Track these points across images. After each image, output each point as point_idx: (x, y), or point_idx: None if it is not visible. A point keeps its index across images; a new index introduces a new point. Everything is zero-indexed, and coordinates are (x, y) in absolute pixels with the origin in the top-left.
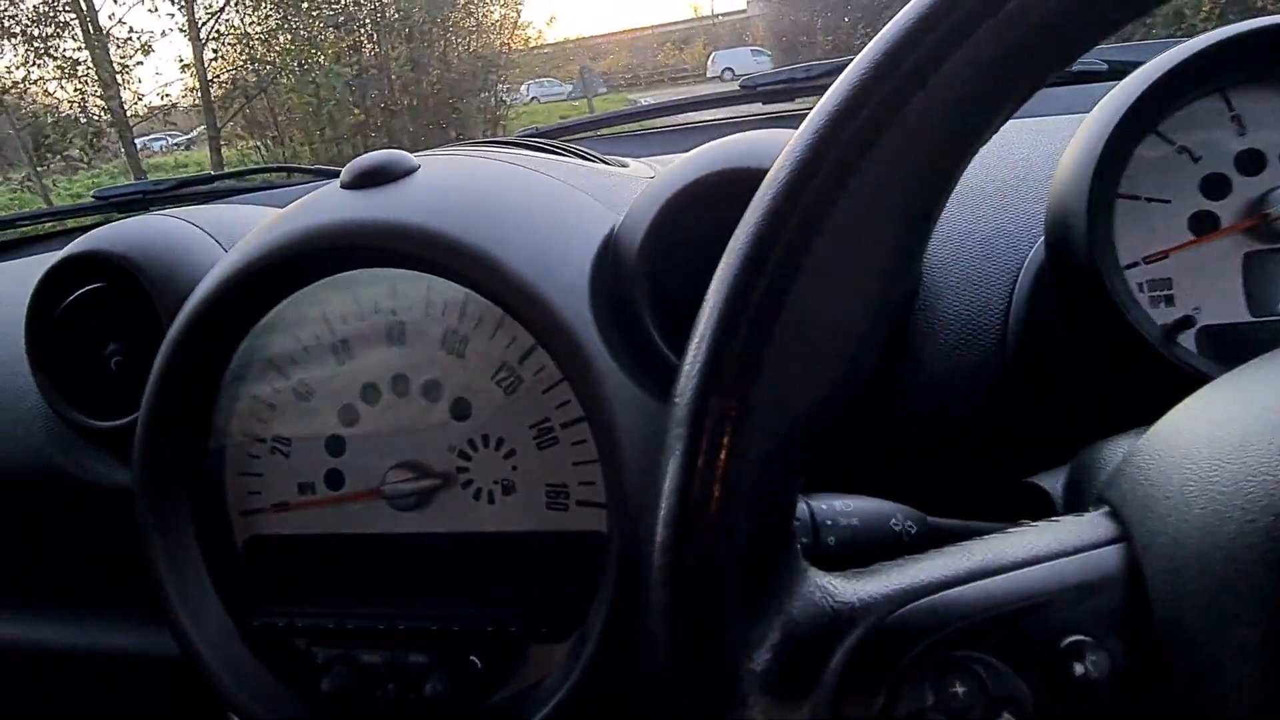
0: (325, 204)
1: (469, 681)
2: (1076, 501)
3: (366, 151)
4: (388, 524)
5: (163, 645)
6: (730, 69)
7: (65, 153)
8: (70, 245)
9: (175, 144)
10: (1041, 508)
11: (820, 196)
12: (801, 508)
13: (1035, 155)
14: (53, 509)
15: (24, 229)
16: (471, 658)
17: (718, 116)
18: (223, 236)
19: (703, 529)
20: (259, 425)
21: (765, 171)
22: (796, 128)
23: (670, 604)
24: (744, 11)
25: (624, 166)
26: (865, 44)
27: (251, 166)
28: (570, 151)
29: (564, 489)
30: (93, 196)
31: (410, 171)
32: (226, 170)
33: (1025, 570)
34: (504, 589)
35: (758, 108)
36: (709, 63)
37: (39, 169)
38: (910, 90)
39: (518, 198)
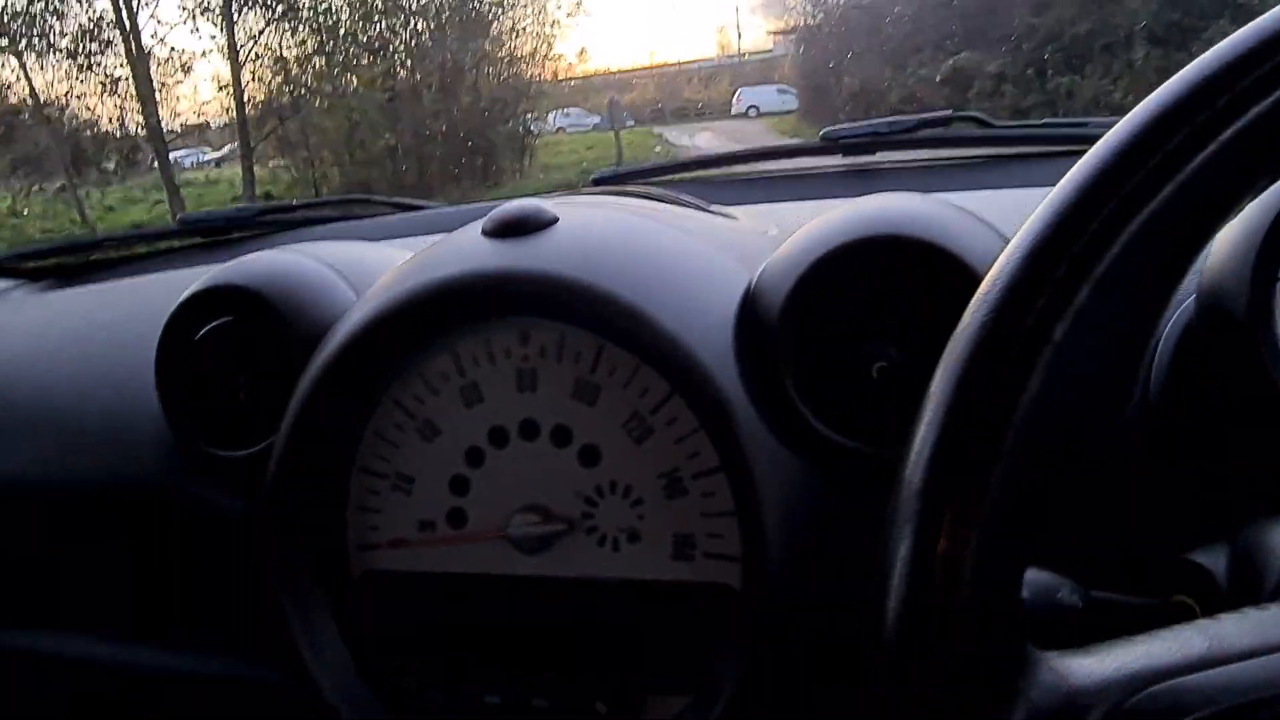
0: (472, 252)
1: None
2: (1251, 584)
3: (396, 175)
4: (509, 566)
5: (255, 673)
6: (755, 106)
7: (101, 166)
8: (205, 278)
9: (206, 160)
10: (1199, 586)
11: (1061, 288)
12: None
13: None
14: (158, 533)
15: (110, 251)
16: (597, 704)
17: (799, 167)
18: (352, 275)
19: (939, 618)
20: (381, 462)
21: (925, 241)
22: (877, 182)
23: (910, 696)
24: (770, 51)
25: (734, 219)
26: (891, 87)
27: (335, 197)
28: (677, 202)
29: (691, 539)
30: (178, 223)
31: (552, 222)
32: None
33: (1265, 658)
34: (625, 637)
35: (838, 159)
36: (735, 99)
37: (75, 181)
38: (1158, 183)
39: (658, 250)
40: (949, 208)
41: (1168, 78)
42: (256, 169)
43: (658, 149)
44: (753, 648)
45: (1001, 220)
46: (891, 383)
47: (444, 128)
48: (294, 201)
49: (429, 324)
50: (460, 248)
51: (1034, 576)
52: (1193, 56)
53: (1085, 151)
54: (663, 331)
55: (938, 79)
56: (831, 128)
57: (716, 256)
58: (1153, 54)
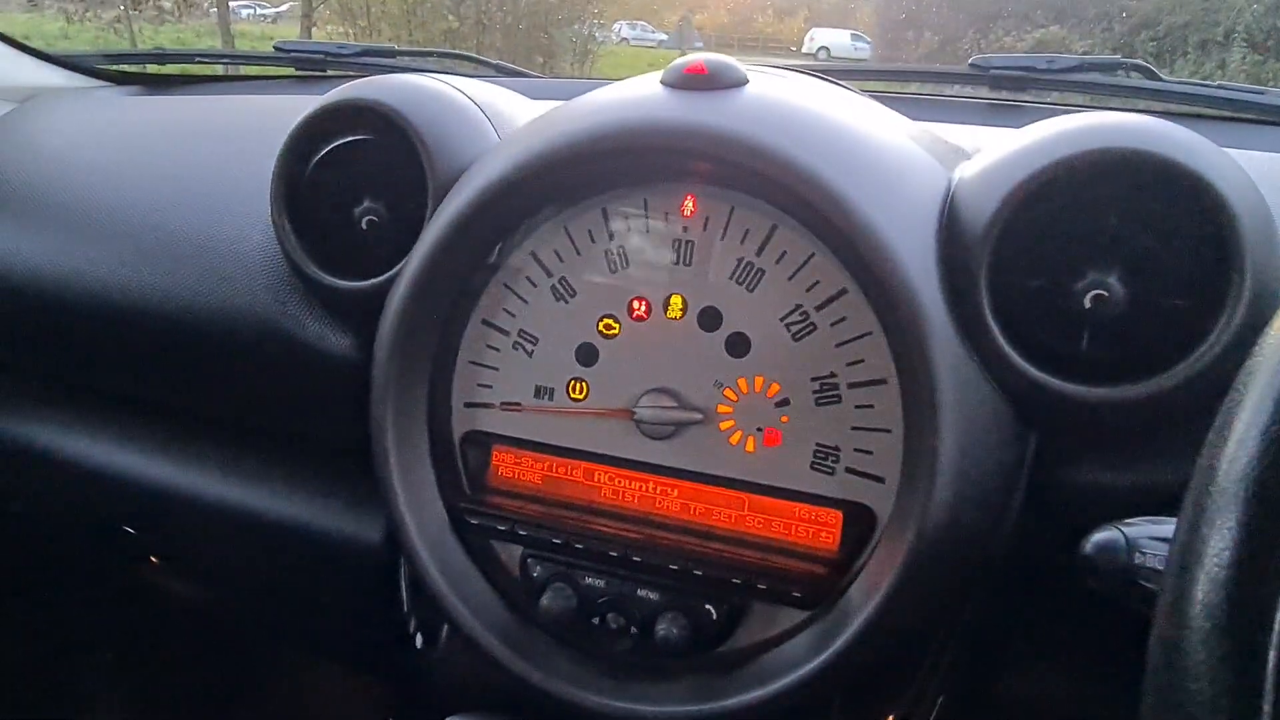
0: (650, 100)
1: (704, 629)
2: None
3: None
4: (626, 449)
5: (366, 532)
6: (826, 48)
7: (158, 2)
8: (338, 91)
9: (264, 14)
10: None
11: None
12: None
13: None
14: (267, 367)
15: (202, 63)
16: (708, 607)
17: (941, 93)
18: (496, 116)
19: (1252, 614)
20: (506, 316)
21: (1169, 160)
22: (1024, 121)
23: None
24: None
25: None
26: (971, 50)
27: (438, 50)
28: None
29: (835, 452)
30: (274, 48)
31: (742, 81)
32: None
33: None
34: (743, 543)
35: (984, 91)
36: (807, 38)
37: (132, 13)
38: None
39: (857, 130)
40: (1200, 138)
41: (1258, 83)
42: (315, 32)
43: None
44: (899, 578)
45: None
46: (1107, 316)
47: (507, 19)
48: (396, 47)
49: (581, 175)
50: (635, 94)
51: None
52: None
53: (1259, 121)
54: (859, 212)
55: (1020, 51)
56: (982, 55)
57: (913, 149)
58: (1249, 58)
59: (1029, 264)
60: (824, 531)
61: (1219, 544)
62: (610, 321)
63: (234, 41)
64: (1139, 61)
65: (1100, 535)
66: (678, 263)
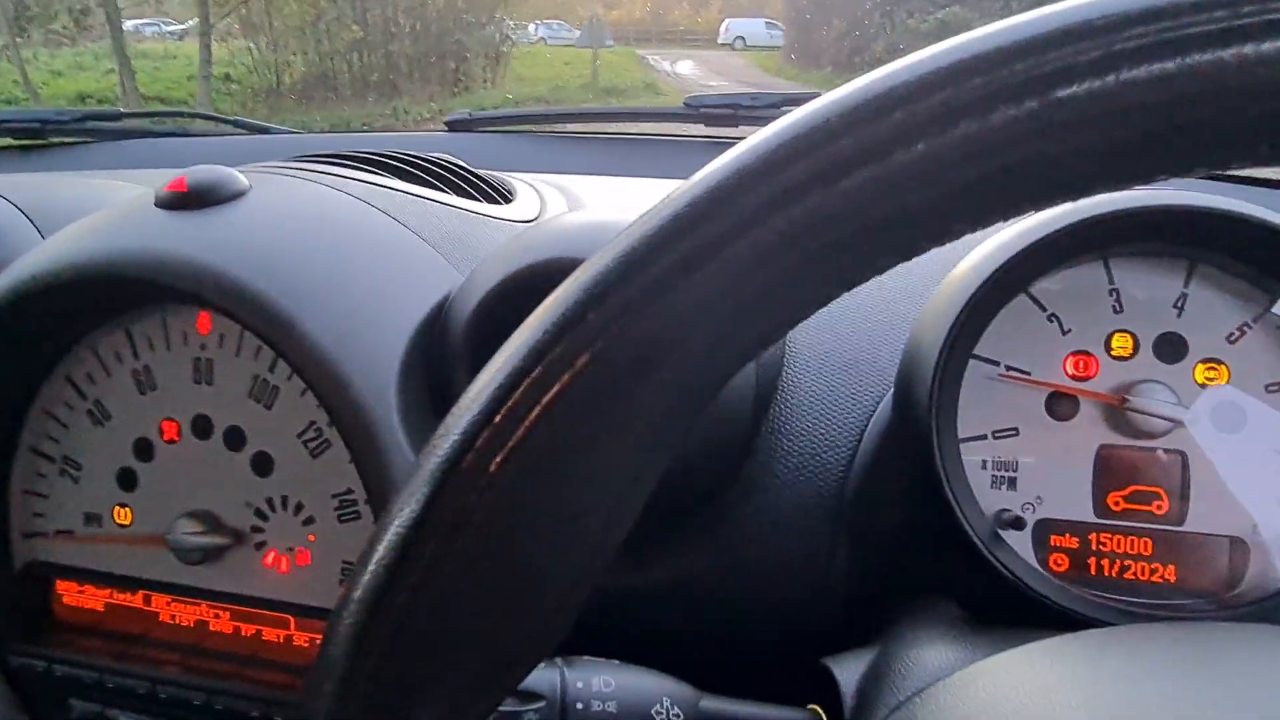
0: (133, 222)
1: None
2: (867, 707)
3: (361, 71)
4: (172, 574)
5: None
6: (742, 38)
7: (49, 26)
8: None
9: (169, 32)
10: (828, 695)
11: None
12: (552, 678)
13: (916, 270)
14: None
15: None
16: None
17: (660, 132)
18: (42, 217)
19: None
20: (49, 443)
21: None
22: None
23: None
24: None
25: (506, 200)
26: (878, 34)
27: (168, 109)
28: (449, 174)
29: None
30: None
31: (235, 196)
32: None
33: None
34: (291, 668)
35: (700, 129)
36: (722, 29)
37: (19, 39)
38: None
39: (345, 248)
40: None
41: None
42: (217, 48)
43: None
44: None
45: None
46: None
47: (415, 25)
48: (121, 110)
49: (87, 299)
50: (127, 216)
51: (628, 678)
52: None
53: None
54: (315, 348)
55: (923, 32)
56: (695, 95)
57: (422, 255)
58: None
59: None
60: None
61: None
62: (145, 444)
63: (132, 63)
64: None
65: None
66: (199, 382)
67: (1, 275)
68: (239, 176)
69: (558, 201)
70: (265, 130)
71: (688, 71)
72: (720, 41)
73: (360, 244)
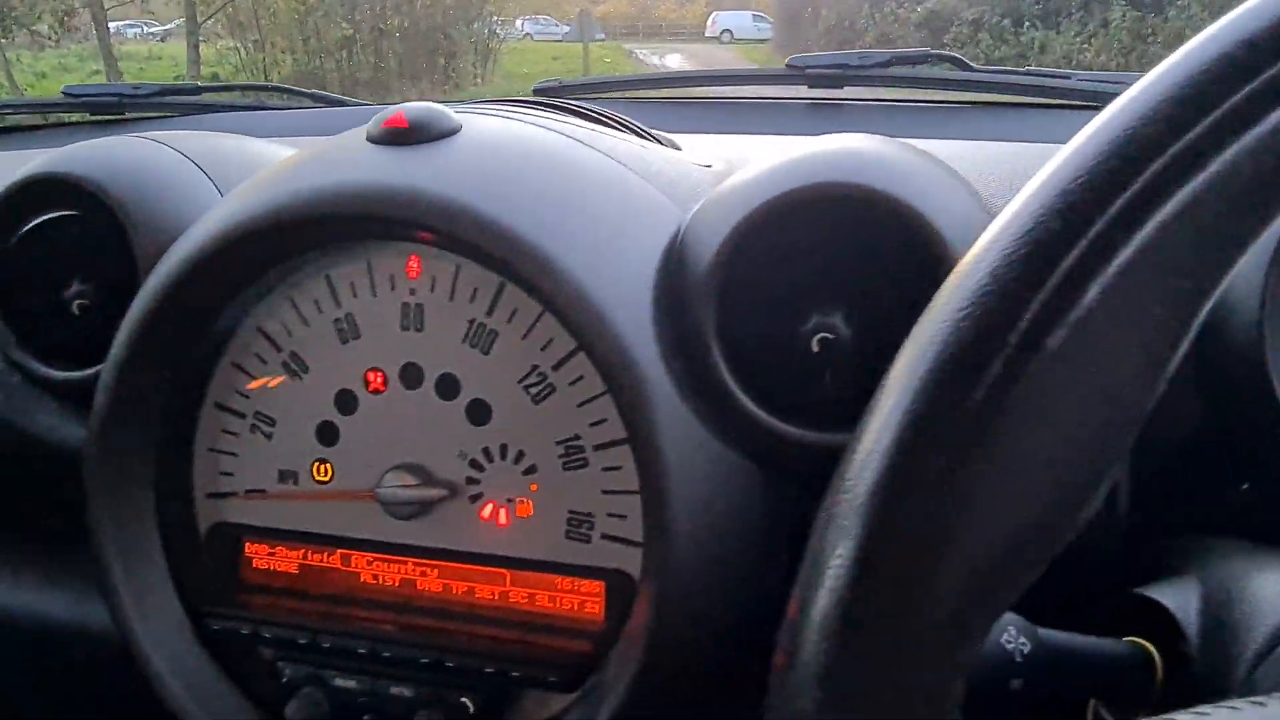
0: (348, 160)
1: None
2: (1223, 633)
3: (350, 69)
4: (378, 531)
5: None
6: (730, 31)
7: (33, 27)
8: (32, 164)
9: (151, 34)
10: (1156, 626)
11: (1067, 283)
12: None
13: None
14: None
15: None
16: (463, 699)
17: (760, 95)
18: (214, 171)
19: (868, 653)
20: (239, 398)
21: (888, 195)
22: (843, 119)
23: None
24: None
25: (676, 148)
26: (868, 25)
27: (244, 83)
28: (618, 122)
29: (588, 519)
30: (61, 93)
31: (450, 132)
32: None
33: None
34: (507, 623)
35: (802, 90)
36: (709, 22)
37: (2, 40)
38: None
39: (575, 180)
40: (920, 157)
41: (1142, 41)
42: (204, 48)
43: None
44: (650, 645)
45: (975, 173)
46: (834, 359)
47: (404, 22)
48: (197, 84)
49: (297, 241)
50: (338, 154)
51: None
52: (1168, 22)
53: (1068, 106)
54: (567, 277)
55: (914, 22)
56: (799, 55)
57: (650, 197)
58: (1129, 15)
59: (756, 310)
60: (588, 602)
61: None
62: (348, 396)
63: (118, 64)
64: (947, 53)
65: None
66: (409, 329)
67: (205, 222)
68: (451, 113)
69: (714, 149)
70: (342, 103)
71: (676, 65)
72: (707, 35)
73: (587, 179)
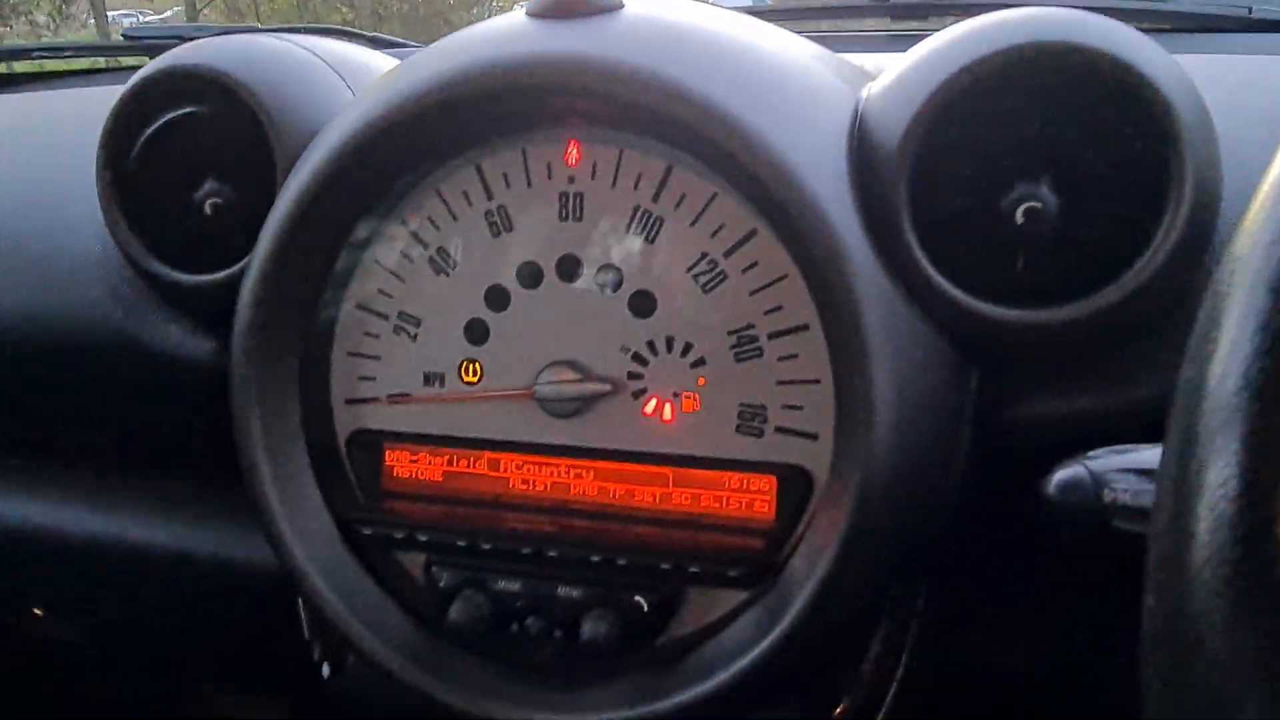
0: (512, 34)
1: (635, 624)
2: None
3: None
4: (531, 432)
5: (256, 553)
6: None
7: (31, 16)
8: (160, 58)
9: (146, 22)
10: None
11: None
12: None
13: None
14: (119, 383)
15: (44, 60)
16: (637, 598)
17: (838, 29)
18: (344, 70)
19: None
20: (382, 299)
21: (1106, 53)
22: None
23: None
24: None
25: None
26: None
27: (304, 26)
28: None
29: (761, 411)
30: (124, 35)
31: (615, 7)
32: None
33: None
34: (671, 524)
35: (884, 23)
36: None
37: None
38: None
39: (754, 49)
40: (1111, 20)
41: None
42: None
43: None
44: (842, 543)
45: None
46: (1041, 231)
47: (404, 7)
48: (257, 25)
49: (450, 127)
50: (498, 30)
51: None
52: None
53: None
54: (764, 141)
55: None
56: None
57: (818, 68)
58: None
59: (951, 183)
60: (758, 500)
61: (1220, 470)
62: (500, 292)
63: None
64: None
65: (1063, 473)
66: (566, 219)
67: (348, 115)
68: None
69: None
70: (402, 45)
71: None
72: None
73: (765, 48)
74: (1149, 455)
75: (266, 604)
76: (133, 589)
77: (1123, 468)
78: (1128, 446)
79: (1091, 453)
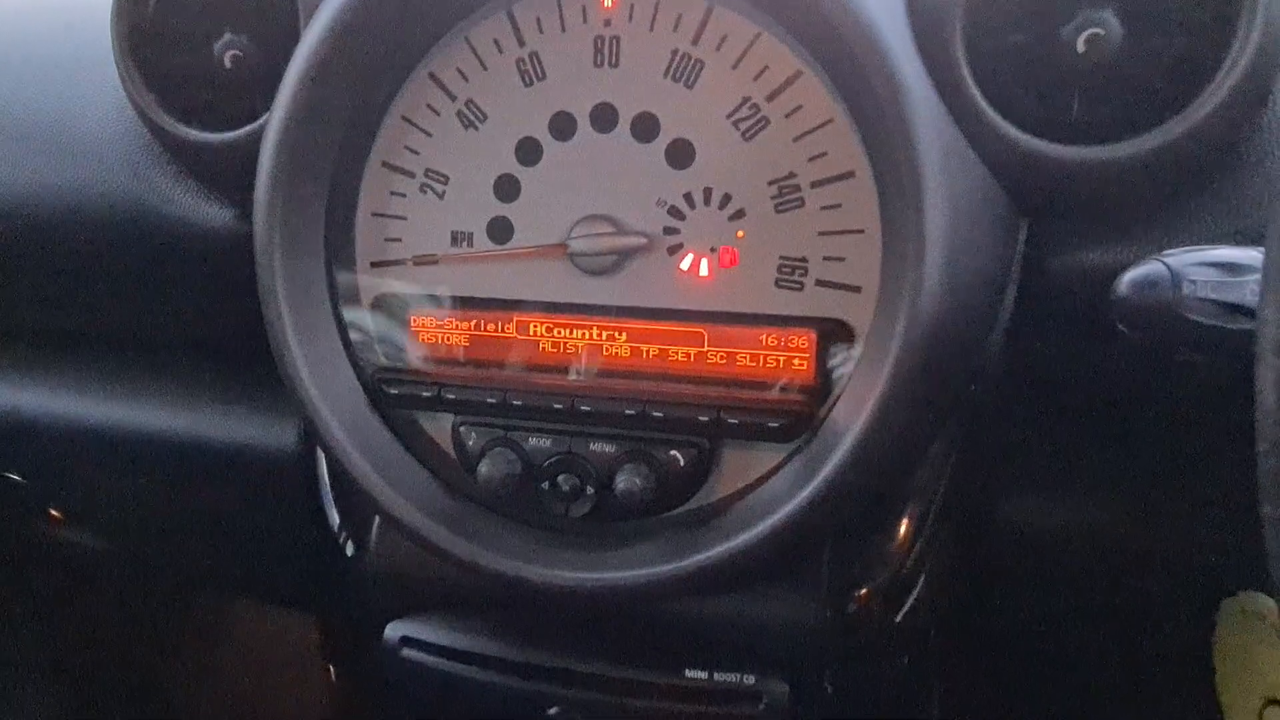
0: None
1: (671, 480)
2: None
3: None
4: (568, 291)
5: (276, 439)
6: None
7: None
8: None
9: None
10: None
11: None
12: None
13: None
14: (136, 255)
15: None
16: (673, 453)
17: None
18: None
19: None
20: (408, 155)
21: None
22: None
23: None
24: None
25: None
26: None
27: None
28: None
29: (802, 264)
30: None
31: None
32: None
33: None
34: (707, 382)
35: None
36: None
37: None
38: None
39: None
40: None
41: None
42: None
43: None
44: (884, 395)
45: None
46: (1103, 61)
47: None
48: None
49: None
50: None
51: None
52: None
53: None
54: None
55: None
56: None
57: None
58: None
59: (1009, 14)
60: (796, 356)
61: None
62: (531, 144)
63: None
64: None
65: (1137, 270)
66: (601, 65)
67: None
68: None
69: None
70: None
71: None
72: None
73: None
74: (1226, 253)
75: (287, 491)
76: (151, 483)
77: (1203, 261)
78: (1204, 246)
79: (1166, 251)
